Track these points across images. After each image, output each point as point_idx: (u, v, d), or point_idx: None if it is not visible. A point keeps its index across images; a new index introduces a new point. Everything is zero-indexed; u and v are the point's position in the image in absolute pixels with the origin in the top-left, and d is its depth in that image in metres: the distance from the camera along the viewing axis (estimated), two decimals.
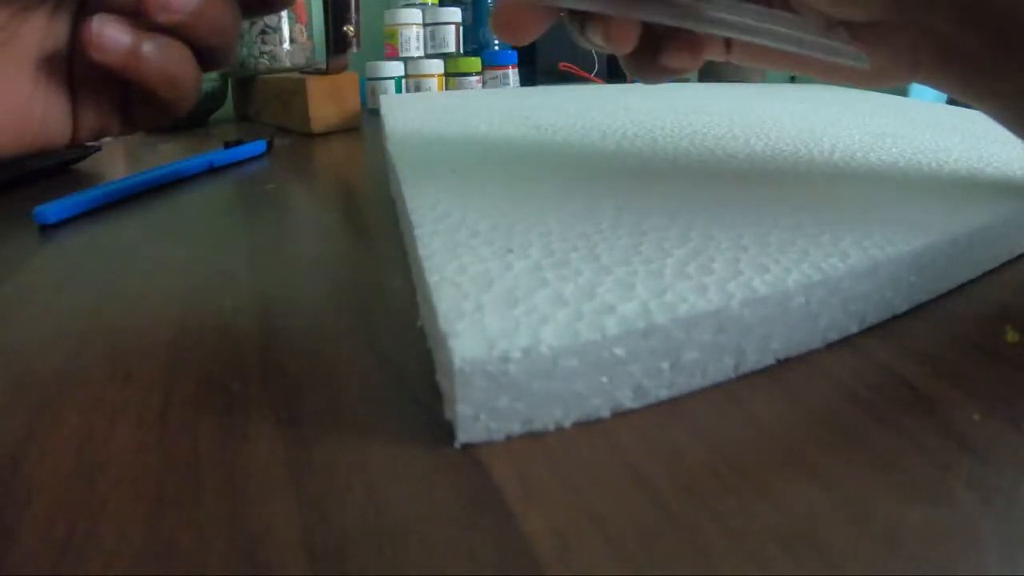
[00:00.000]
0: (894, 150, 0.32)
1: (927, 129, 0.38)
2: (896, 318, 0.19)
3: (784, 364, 0.17)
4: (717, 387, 0.16)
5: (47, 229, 0.30)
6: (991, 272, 0.23)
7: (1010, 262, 0.24)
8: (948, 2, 0.21)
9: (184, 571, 0.11)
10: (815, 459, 0.13)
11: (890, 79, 0.24)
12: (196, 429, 0.14)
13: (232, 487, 0.13)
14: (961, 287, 0.21)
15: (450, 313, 0.14)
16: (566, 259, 0.17)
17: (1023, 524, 0.12)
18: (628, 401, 0.15)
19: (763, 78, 0.82)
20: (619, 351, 0.14)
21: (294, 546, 0.11)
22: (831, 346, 0.17)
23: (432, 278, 0.16)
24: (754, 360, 0.16)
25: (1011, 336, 0.18)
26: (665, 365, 0.15)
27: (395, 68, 1.11)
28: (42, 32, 0.20)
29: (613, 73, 0.98)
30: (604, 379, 0.14)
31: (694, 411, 0.15)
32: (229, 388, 0.16)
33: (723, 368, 0.16)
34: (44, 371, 0.17)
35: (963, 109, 0.48)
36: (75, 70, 0.20)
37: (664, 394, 0.15)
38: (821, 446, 0.14)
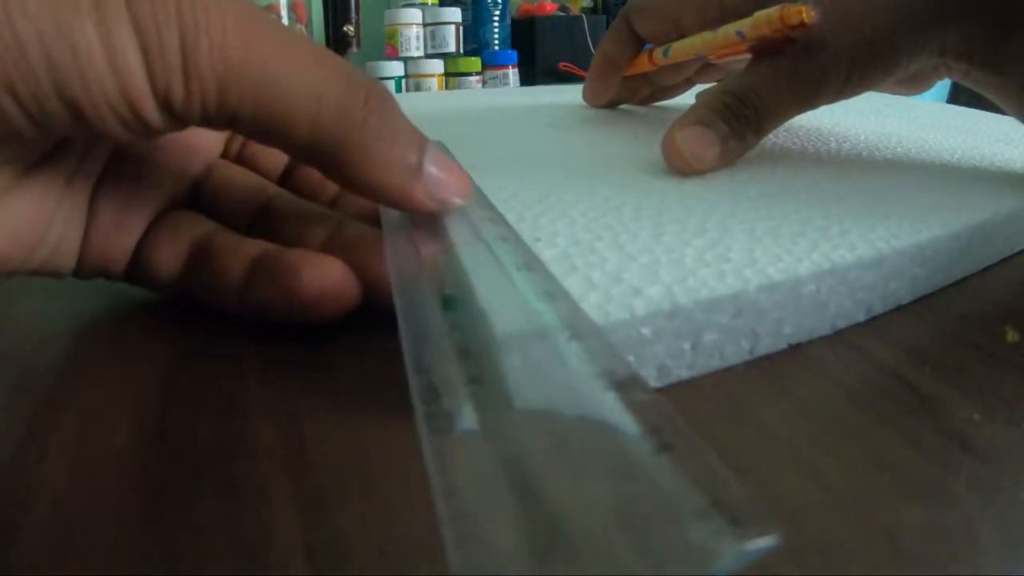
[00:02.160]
0: (899, 149, 0.32)
1: (931, 129, 0.38)
2: (897, 317, 0.19)
3: (784, 364, 0.17)
4: (717, 387, 0.16)
5: None
6: (991, 271, 0.23)
7: (1010, 258, 0.24)
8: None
9: (184, 571, 0.11)
10: (815, 459, 0.13)
11: (923, 86, 0.31)
12: (196, 429, 0.14)
13: (232, 487, 0.13)
14: (961, 286, 0.21)
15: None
16: (592, 247, 0.18)
17: (1023, 524, 0.12)
18: (652, 380, 0.15)
19: None
20: (646, 331, 0.15)
21: (294, 546, 0.11)
22: (831, 346, 0.18)
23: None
24: (768, 344, 0.17)
25: (1011, 336, 0.18)
26: (687, 346, 0.16)
27: (395, 68, 1.11)
28: (76, 159, 0.18)
29: None
30: (631, 358, 0.15)
31: (694, 411, 0.15)
32: (229, 388, 0.16)
33: (739, 351, 0.16)
34: (44, 371, 0.17)
35: (966, 109, 0.48)
36: (98, 201, 0.18)
37: (685, 374, 0.16)
38: (821, 446, 0.14)
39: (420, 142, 0.16)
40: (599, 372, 0.10)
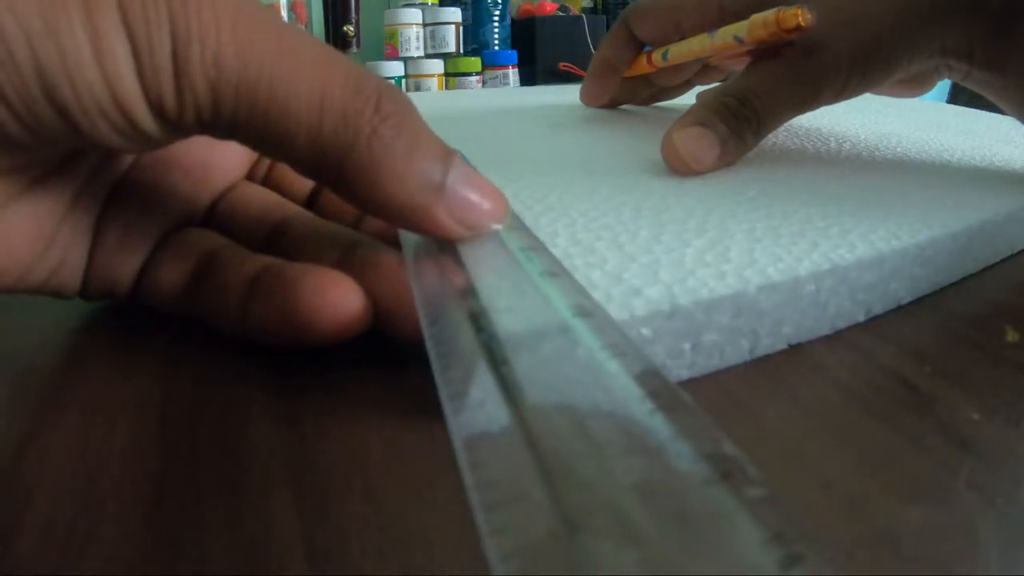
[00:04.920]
0: (899, 149, 0.32)
1: (931, 129, 0.38)
2: (897, 317, 0.19)
3: (784, 364, 0.17)
4: (717, 387, 0.16)
5: None
6: (991, 270, 0.23)
7: (1010, 258, 0.24)
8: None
9: (184, 571, 0.11)
10: (815, 459, 0.13)
11: (924, 87, 0.32)
12: (196, 429, 0.14)
13: (232, 487, 0.13)
14: (962, 286, 0.21)
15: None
16: (592, 247, 0.18)
17: (1023, 524, 0.12)
18: None
19: None
20: (646, 331, 0.15)
21: (294, 546, 0.11)
22: (831, 346, 0.18)
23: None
24: (768, 344, 0.17)
25: (1011, 336, 0.18)
26: (687, 346, 0.16)
27: (395, 68, 1.11)
28: (85, 177, 0.17)
29: None
30: None
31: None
32: (230, 388, 0.16)
33: (739, 351, 0.16)
34: (44, 371, 0.17)
35: (966, 109, 0.48)
36: (105, 222, 0.18)
37: (685, 374, 0.16)
38: (821, 446, 0.14)
39: (444, 155, 0.15)
40: (627, 370, 0.10)
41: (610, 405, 0.10)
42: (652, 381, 0.10)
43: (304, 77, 0.14)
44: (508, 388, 0.10)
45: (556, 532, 0.08)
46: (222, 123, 0.14)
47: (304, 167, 0.15)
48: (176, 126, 0.14)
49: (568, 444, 0.09)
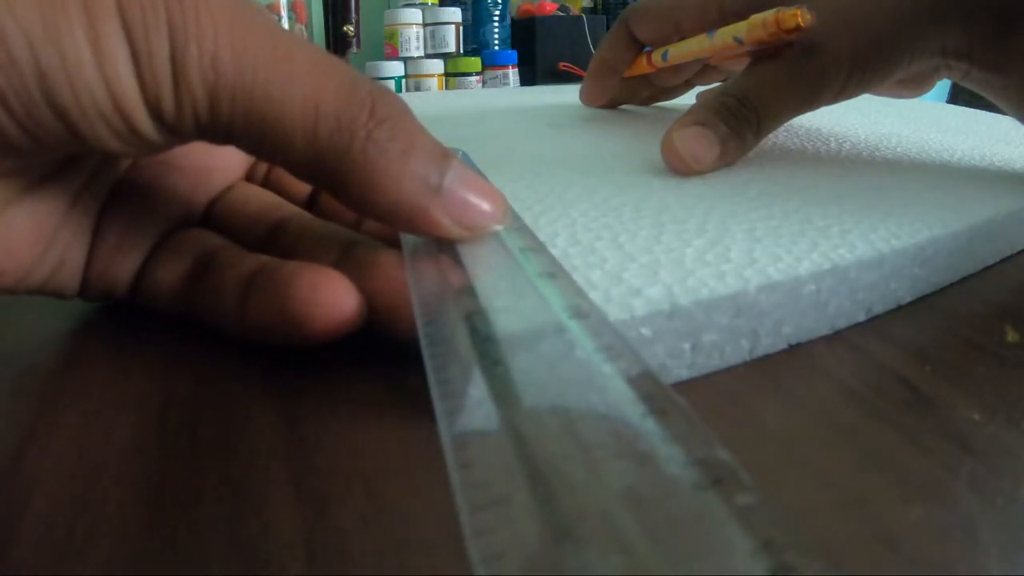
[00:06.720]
0: (899, 149, 0.32)
1: (931, 129, 0.38)
2: (897, 317, 0.19)
3: (784, 364, 0.17)
4: (717, 387, 0.16)
5: None
6: (991, 271, 0.23)
7: (1010, 258, 0.24)
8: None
9: (184, 571, 0.11)
10: (815, 459, 0.13)
11: (923, 88, 0.32)
12: (196, 429, 0.14)
13: (232, 487, 0.13)
14: (962, 286, 0.21)
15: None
16: (592, 247, 0.18)
17: (1023, 524, 0.11)
18: None
19: None
20: (645, 331, 0.15)
21: (294, 546, 0.11)
22: (831, 346, 0.18)
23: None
24: (768, 344, 0.17)
25: (1011, 336, 0.18)
26: (687, 346, 0.16)
27: (395, 68, 1.11)
28: (85, 178, 0.17)
29: None
30: None
31: (694, 411, 0.15)
32: (230, 388, 0.16)
33: (739, 351, 0.16)
34: (44, 371, 0.17)
35: (966, 109, 0.48)
36: (104, 223, 0.18)
37: (684, 374, 0.16)
38: (821, 446, 0.14)
39: (440, 157, 0.15)
40: (621, 373, 0.10)
41: (603, 407, 0.10)
42: (646, 384, 0.10)
43: (298, 82, 0.14)
44: (502, 389, 0.10)
45: (543, 536, 0.08)
46: (219, 127, 0.14)
47: (301, 172, 0.15)
48: (174, 130, 0.14)
49: (558, 447, 0.09)
